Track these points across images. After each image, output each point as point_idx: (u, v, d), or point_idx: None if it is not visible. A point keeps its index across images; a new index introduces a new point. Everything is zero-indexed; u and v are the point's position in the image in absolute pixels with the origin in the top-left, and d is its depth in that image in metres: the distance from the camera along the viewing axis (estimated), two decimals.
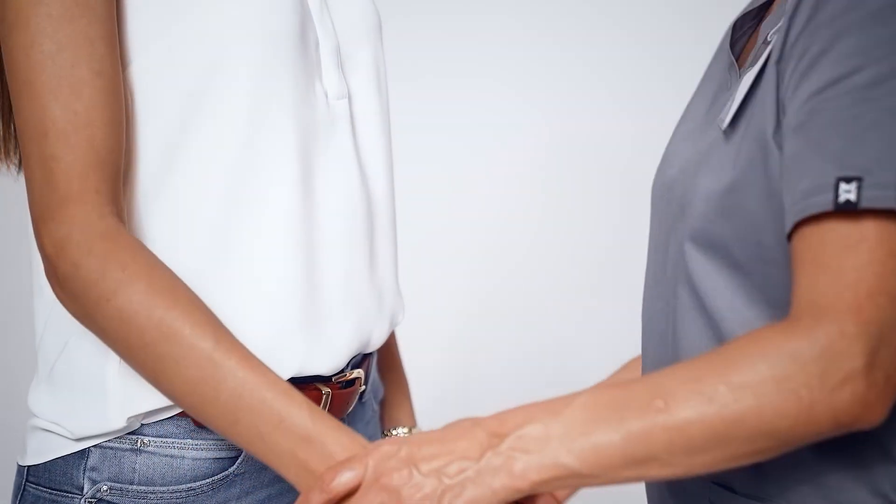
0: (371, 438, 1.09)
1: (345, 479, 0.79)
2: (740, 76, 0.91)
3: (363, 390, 1.06)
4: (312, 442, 0.83)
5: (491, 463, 0.75)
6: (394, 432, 1.16)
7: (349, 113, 1.01)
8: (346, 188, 1.00)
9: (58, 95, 0.86)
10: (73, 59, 0.86)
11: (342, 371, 1.00)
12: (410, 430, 1.17)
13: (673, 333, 0.90)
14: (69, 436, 0.94)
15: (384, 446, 0.79)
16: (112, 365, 0.93)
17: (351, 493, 0.79)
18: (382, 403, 1.16)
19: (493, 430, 0.77)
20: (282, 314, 0.95)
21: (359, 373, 1.02)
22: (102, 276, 0.85)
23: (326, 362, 0.97)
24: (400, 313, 1.10)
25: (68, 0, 0.86)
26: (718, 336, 0.85)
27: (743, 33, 0.98)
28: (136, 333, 0.84)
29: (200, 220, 0.93)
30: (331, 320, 0.98)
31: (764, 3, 0.98)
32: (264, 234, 0.94)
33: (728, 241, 0.83)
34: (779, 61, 0.82)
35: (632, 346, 1.10)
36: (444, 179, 2.24)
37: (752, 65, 0.88)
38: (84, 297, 0.86)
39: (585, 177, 2.17)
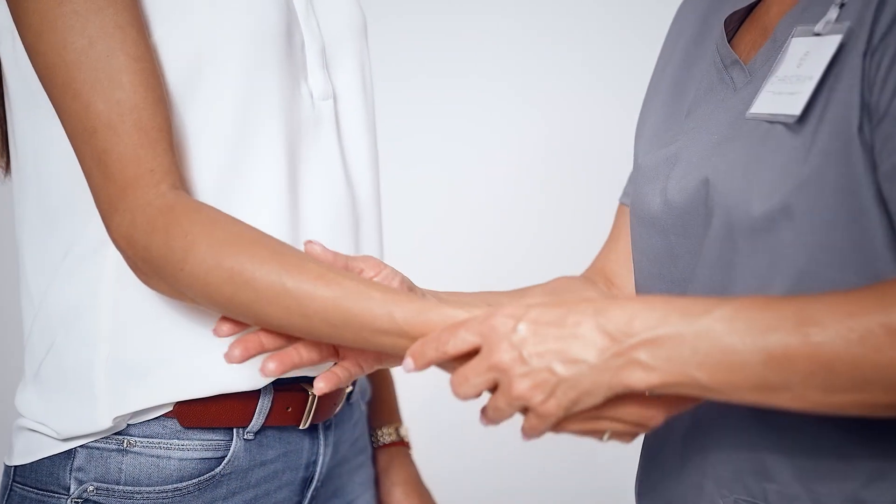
0: (358, 439, 1.09)
1: (460, 340, 0.77)
2: (761, 68, 0.88)
3: (350, 391, 1.06)
4: (414, 326, 0.81)
5: (611, 363, 0.73)
6: (380, 432, 1.16)
7: (334, 113, 1.02)
8: (330, 189, 1.00)
9: (98, 89, 0.86)
10: (107, 50, 0.87)
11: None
12: (397, 430, 1.17)
13: None
14: (56, 436, 0.94)
15: (499, 318, 0.76)
16: (99, 365, 0.93)
17: (464, 356, 0.77)
18: (369, 403, 1.17)
19: (619, 328, 0.74)
20: None
21: None
22: (170, 249, 0.85)
23: None
24: None
25: None
26: None
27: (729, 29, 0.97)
28: (217, 291, 0.84)
29: None
30: None
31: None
32: None
33: (793, 238, 0.80)
34: (865, 53, 0.78)
35: None
36: (440, 180, 2.23)
37: (769, 59, 0.87)
38: (163, 275, 0.87)
39: (582, 178, 2.17)
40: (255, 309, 0.84)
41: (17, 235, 0.99)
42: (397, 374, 2.00)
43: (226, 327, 0.87)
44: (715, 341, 0.72)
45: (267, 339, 0.86)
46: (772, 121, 0.83)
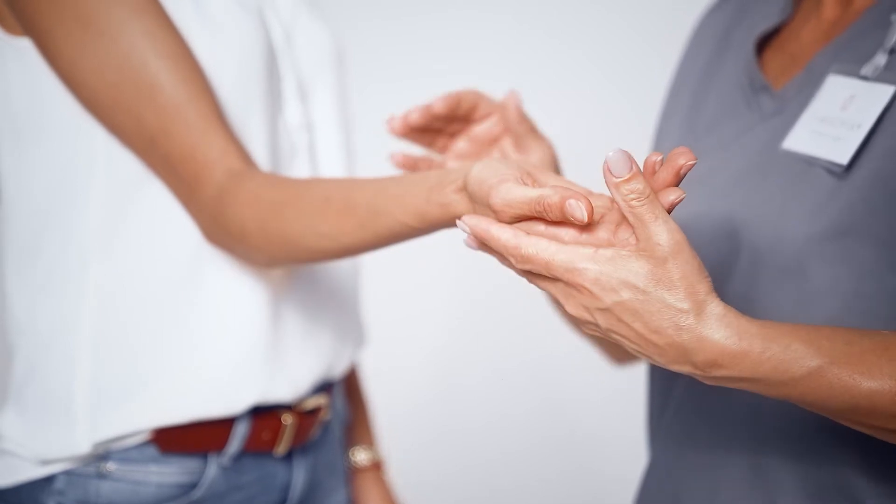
0: (334, 462, 1.11)
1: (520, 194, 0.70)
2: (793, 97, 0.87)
3: (327, 419, 1.08)
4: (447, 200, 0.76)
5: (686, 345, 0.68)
6: (355, 455, 1.18)
7: (309, 143, 1.03)
8: None
9: (143, 100, 0.90)
10: (140, 59, 0.89)
11: (304, 398, 1.02)
12: (372, 453, 1.19)
13: None
14: (36, 459, 0.96)
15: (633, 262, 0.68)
16: (78, 390, 0.95)
17: (522, 218, 0.71)
18: (345, 425, 1.19)
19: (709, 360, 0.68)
20: (245, 345, 0.97)
21: (321, 401, 1.04)
22: (231, 237, 0.90)
23: (288, 391, 0.99)
24: (362, 343, 1.13)
25: (109, 9, 0.89)
26: None
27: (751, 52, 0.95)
28: (283, 254, 0.89)
29: (170, 249, 0.96)
30: (293, 351, 1.00)
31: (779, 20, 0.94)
32: (230, 265, 0.96)
33: (828, 283, 0.79)
34: None
35: None
36: None
37: (801, 90, 0.86)
38: (249, 255, 0.91)
39: (584, 182, 2.17)
40: (330, 241, 0.85)
41: (1, 258, 1.01)
42: (394, 373, 2.02)
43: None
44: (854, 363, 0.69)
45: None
46: (812, 162, 0.82)
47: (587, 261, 0.68)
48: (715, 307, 0.68)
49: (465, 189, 0.74)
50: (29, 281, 0.97)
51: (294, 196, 0.86)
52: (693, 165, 0.69)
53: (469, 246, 0.74)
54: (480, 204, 0.72)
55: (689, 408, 0.92)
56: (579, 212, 0.67)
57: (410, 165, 0.97)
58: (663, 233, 0.67)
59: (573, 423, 2.21)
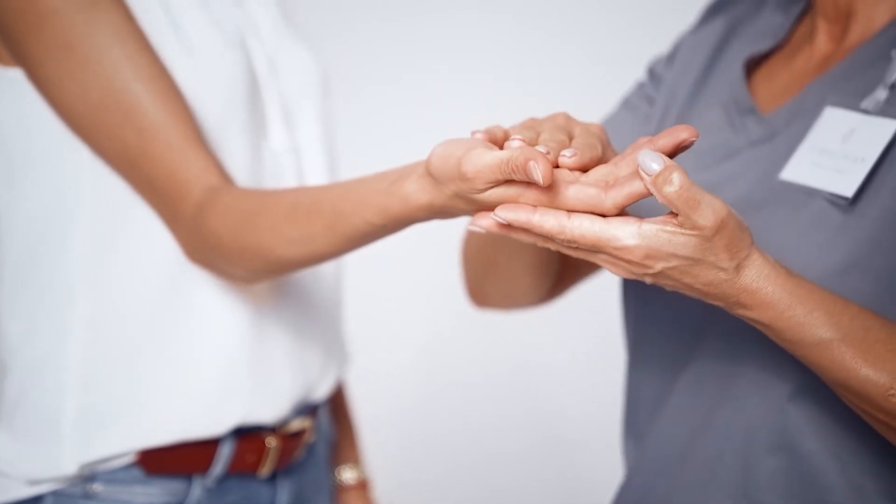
0: (321, 483, 1.13)
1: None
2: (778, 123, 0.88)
3: (311, 441, 1.10)
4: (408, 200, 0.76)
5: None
6: (341, 473, 1.20)
7: (295, 167, 1.05)
8: None
9: (126, 123, 0.91)
10: (123, 84, 0.91)
11: (288, 421, 1.04)
12: (358, 471, 1.20)
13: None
14: (24, 479, 0.97)
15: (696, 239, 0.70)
16: (67, 412, 0.97)
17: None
18: (331, 444, 1.20)
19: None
20: (229, 366, 0.99)
21: (305, 424, 1.06)
22: (211, 253, 0.92)
23: (270, 413, 1.01)
24: (346, 362, 1.14)
25: (92, 35, 0.91)
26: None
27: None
28: (253, 265, 0.90)
29: (154, 273, 0.97)
30: (276, 371, 1.02)
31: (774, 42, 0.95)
32: (213, 286, 0.98)
33: None
34: None
35: (606, 354, 1.09)
36: None
37: (793, 119, 0.87)
38: (228, 265, 0.92)
39: None
40: (301, 247, 0.85)
41: None
42: (392, 372, 2.03)
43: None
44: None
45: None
46: (813, 194, 0.83)
47: (634, 237, 0.70)
48: (754, 260, 0.72)
49: (427, 174, 0.74)
50: (20, 308, 0.99)
51: (264, 205, 0.88)
52: (693, 143, 0.72)
53: (478, 230, 0.72)
54: (448, 181, 0.72)
55: (683, 420, 0.92)
56: (536, 174, 0.66)
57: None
58: (708, 216, 0.69)
59: (556, 429, 2.21)
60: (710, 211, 0.69)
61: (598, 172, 0.73)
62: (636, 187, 0.69)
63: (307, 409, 1.07)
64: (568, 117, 0.79)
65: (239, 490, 1.02)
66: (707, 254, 0.70)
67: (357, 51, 2.12)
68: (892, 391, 0.73)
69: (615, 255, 0.71)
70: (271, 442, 1.02)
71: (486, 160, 0.69)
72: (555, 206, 0.70)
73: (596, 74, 2.12)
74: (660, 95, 1.05)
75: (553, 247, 0.73)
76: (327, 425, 1.14)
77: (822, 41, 0.92)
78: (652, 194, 0.69)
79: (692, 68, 1.02)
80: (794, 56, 0.94)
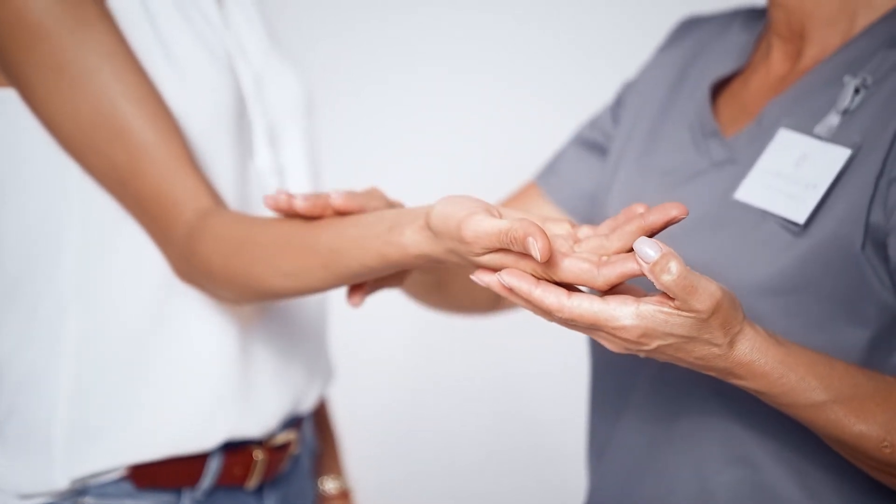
0: (305, 493, 1.15)
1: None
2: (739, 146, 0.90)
3: (296, 453, 1.12)
4: (408, 248, 0.78)
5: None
6: (324, 484, 1.22)
7: (279, 188, 1.07)
8: None
9: (115, 143, 0.93)
10: (111, 104, 0.93)
11: (274, 434, 1.06)
12: (340, 482, 1.23)
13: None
14: (16, 493, 0.99)
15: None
16: (58, 427, 0.98)
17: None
18: (315, 457, 1.23)
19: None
20: (216, 382, 1.02)
21: (290, 437, 1.08)
22: (200, 275, 0.93)
23: (258, 428, 1.03)
24: (330, 377, 1.17)
25: (82, 56, 0.92)
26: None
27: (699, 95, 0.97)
28: (245, 291, 0.91)
29: (142, 290, 0.99)
30: (263, 387, 1.04)
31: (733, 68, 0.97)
32: (200, 303, 1.00)
33: (780, 333, 0.82)
34: (879, 177, 0.81)
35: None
36: (440, 180, 2.23)
37: (752, 141, 0.89)
38: (217, 288, 0.93)
39: None
40: (292, 281, 0.87)
41: None
42: (373, 378, 2.03)
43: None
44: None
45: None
46: (765, 216, 0.86)
47: (632, 318, 0.71)
48: (746, 333, 0.75)
49: (427, 227, 0.76)
50: (11, 324, 1.01)
51: (253, 235, 0.89)
52: (682, 220, 0.74)
53: (485, 285, 0.74)
54: (447, 238, 0.74)
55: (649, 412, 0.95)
56: (534, 250, 0.68)
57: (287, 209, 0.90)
58: (705, 300, 0.71)
59: (538, 436, 2.23)
60: (706, 295, 0.71)
61: (590, 244, 0.76)
62: (629, 267, 0.71)
63: (292, 422, 1.10)
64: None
65: (227, 501, 1.04)
66: (702, 332, 0.73)
67: (357, 51, 2.11)
68: (885, 443, 0.77)
69: (613, 334, 0.73)
70: (258, 455, 1.04)
71: (486, 227, 0.71)
72: (548, 276, 0.72)
73: (595, 74, 2.12)
74: (622, 123, 1.07)
75: (548, 319, 0.74)
76: (311, 437, 1.17)
77: (778, 60, 0.94)
78: (644, 274, 0.71)
79: (661, 86, 1.04)
80: (752, 76, 0.96)
